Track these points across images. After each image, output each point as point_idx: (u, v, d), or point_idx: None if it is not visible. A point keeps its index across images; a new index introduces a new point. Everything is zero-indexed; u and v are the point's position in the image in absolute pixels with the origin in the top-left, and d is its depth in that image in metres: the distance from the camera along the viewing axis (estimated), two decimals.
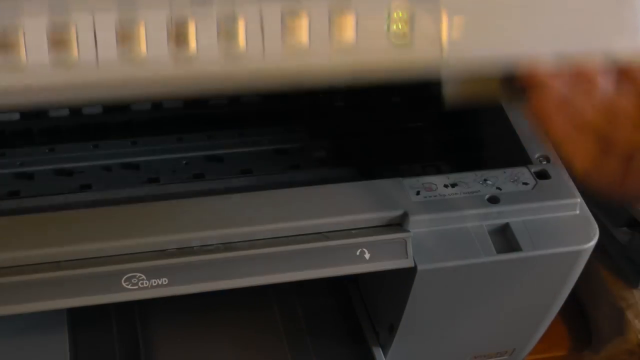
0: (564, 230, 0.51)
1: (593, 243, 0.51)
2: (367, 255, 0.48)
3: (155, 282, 0.45)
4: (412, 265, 0.49)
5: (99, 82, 0.38)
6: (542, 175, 0.53)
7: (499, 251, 0.50)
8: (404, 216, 0.49)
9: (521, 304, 0.55)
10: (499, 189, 0.52)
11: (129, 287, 0.45)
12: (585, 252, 0.52)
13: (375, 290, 0.59)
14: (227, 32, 0.39)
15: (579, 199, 0.52)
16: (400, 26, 0.41)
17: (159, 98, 0.39)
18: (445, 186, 0.51)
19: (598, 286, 0.69)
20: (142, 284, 0.45)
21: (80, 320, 0.56)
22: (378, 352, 0.57)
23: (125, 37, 0.37)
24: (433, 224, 0.50)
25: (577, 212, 0.52)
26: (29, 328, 0.53)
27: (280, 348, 0.57)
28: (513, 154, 0.56)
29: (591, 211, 0.52)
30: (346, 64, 0.41)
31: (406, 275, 0.50)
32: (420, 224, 0.49)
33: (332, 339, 0.58)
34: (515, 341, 0.60)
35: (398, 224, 0.50)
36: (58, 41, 0.37)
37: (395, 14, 0.41)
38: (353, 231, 0.49)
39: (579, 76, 0.30)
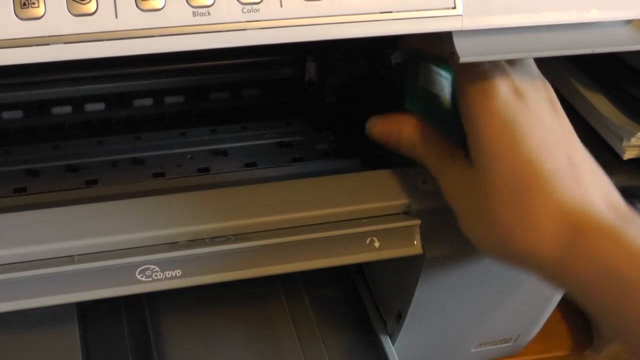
0: None
1: None
2: (376, 244, 0.49)
3: (169, 273, 0.46)
4: (421, 252, 0.49)
5: (117, 34, 0.37)
6: None
7: None
8: (412, 204, 0.50)
9: (526, 290, 0.56)
10: None
11: (143, 279, 0.45)
12: None
13: (382, 279, 0.59)
14: None
15: None
16: None
17: (177, 52, 0.39)
18: None
19: None
20: (156, 275, 0.45)
21: (90, 314, 0.56)
22: (386, 340, 0.58)
23: None
24: (440, 212, 0.50)
25: None
26: (40, 322, 0.53)
27: (289, 338, 0.57)
28: None
29: None
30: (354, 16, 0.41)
31: (414, 263, 0.51)
32: (427, 212, 0.50)
33: (340, 328, 0.59)
34: (519, 328, 0.61)
35: (406, 212, 0.50)
36: None
37: None
38: (362, 220, 0.49)
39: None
